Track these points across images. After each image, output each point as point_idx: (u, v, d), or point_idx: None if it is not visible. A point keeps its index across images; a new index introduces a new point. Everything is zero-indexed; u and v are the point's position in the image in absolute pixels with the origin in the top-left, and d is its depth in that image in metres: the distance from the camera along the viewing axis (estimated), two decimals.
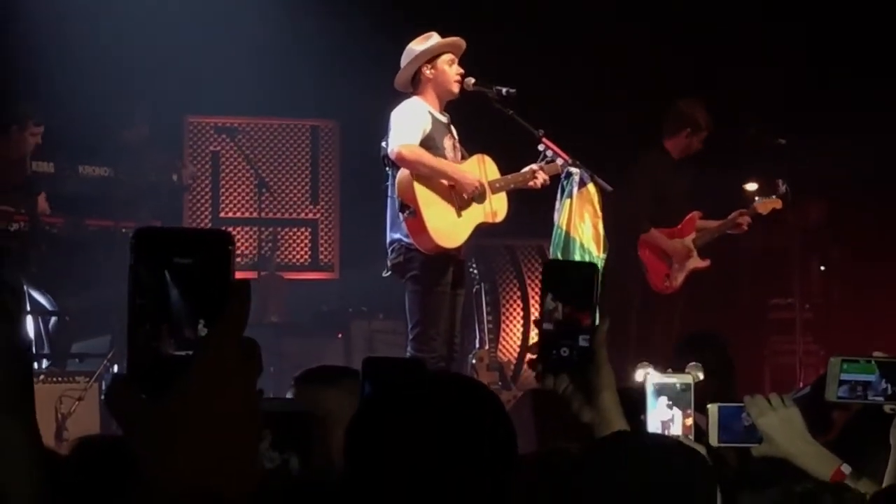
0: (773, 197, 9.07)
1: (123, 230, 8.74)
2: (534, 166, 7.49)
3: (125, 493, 1.22)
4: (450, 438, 2.03)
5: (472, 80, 7.37)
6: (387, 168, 7.28)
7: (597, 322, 2.44)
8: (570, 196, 7.46)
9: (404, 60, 7.39)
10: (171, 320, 1.24)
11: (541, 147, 7.48)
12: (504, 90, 7.40)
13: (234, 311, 1.23)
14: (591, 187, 7.47)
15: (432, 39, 7.35)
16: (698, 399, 3.38)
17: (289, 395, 4.22)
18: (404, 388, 2.15)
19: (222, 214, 11.05)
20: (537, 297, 9.59)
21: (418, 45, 7.35)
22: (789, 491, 2.73)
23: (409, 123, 7.18)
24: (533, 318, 9.37)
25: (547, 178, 7.50)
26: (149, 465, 1.21)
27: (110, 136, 9.39)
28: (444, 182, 7.23)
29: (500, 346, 9.85)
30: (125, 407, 1.24)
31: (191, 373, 1.21)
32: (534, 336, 2.41)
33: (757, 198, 9.14)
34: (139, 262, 1.25)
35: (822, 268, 10.98)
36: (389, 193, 7.26)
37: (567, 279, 2.44)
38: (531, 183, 7.48)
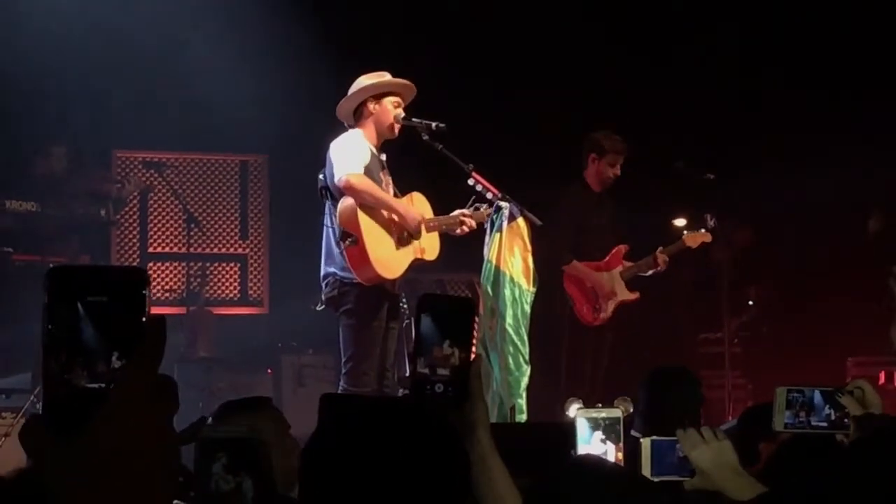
0: (703, 231, 9.11)
1: (50, 265, 8.62)
2: (463, 212, 7.49)
3: None
4: (403, 466, 2.06)
5: (401, 114, 7.36)
6: (325, 200, 7.24)
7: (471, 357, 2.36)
8: (500, 230, 7.47)
9: (352, 91, 7.38)
10: (85, 353, 1.22)
11: (471, 181, 7.49)
12: (434, 125, 7.38)
13: (148, 346, 1.22)
14: (520, 221, 7.48)
15: (384, 77, 7.36)
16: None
17: None
18: (357, 416, 2.15)
19: (151, 249, 10.96)
20: None
21: (369, 79, 7.35)
22: None
23: (354, 153, 7.16)
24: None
25: (474, 224, 7.50)
26: (60, 502, 1.18)
27: (29, 168, 9.28)
28: (386, 214, 7.22)
29: None
30: (37, 444, 1.21)
31: (104, 406, 1.19)
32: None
33: (686, 231, 9.18)
34: (52, 299, 1.25)
35: (751, 303, 11.08)
36: (328, 224, 7.22)
37: (453, 318, 2.31)
38: (458, 231, 7.48)
